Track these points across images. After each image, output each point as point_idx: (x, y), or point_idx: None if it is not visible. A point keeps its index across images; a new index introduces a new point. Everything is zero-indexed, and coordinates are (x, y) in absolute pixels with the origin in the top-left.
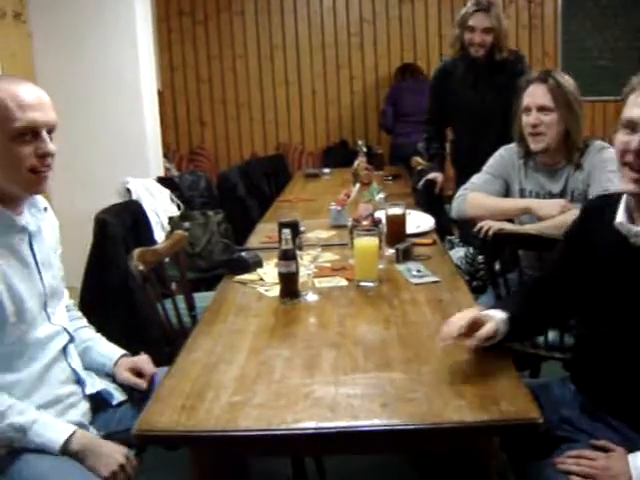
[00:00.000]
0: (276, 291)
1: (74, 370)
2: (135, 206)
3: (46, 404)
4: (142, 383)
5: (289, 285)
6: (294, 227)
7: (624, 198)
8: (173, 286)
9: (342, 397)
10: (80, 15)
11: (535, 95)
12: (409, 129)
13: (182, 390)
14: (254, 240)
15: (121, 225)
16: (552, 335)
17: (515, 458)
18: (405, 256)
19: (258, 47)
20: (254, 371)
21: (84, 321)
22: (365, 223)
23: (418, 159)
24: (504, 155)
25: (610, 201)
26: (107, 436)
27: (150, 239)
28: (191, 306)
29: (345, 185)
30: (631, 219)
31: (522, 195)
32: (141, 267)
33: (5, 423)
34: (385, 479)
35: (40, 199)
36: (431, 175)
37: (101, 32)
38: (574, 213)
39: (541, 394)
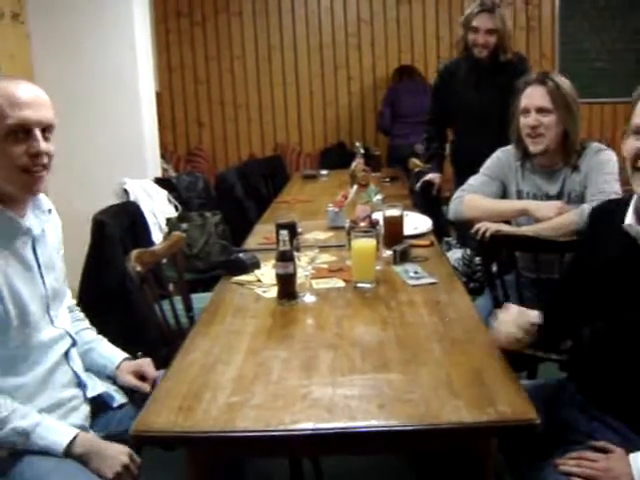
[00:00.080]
0: (274, 292)
1: (76, 373)
2: (133, 207)
3: (48, 408)
4: (145, 386)
5: (287, 286)
6: (292, 228)
7: (633, 200)
8: (170, 287)
9: (340, 398)
10: (78, 16)
11: (534, 97)
12: (406, 131)
13: (179, 391)
14: (252, 241)
15: (119, 226)
16: None
17: (512, 459)
18: (402, 257)
19: (256, 48)
20: (252, 372)
21: (86, 323)
22: (362, 224)
23: (416, 161)
24: (501, 157)
25: (619, 203)
26: (106, 438)
27: (148, 240)
28: (189, 307)
29: (343, 186)
30: None
31: (519, 197)
32: (139, 268)
33: (8, 427)
34: None
35: (45, 201)
36: (428, 176)
37: (99, 33)
38: (571, 215)
39: (538, 395)
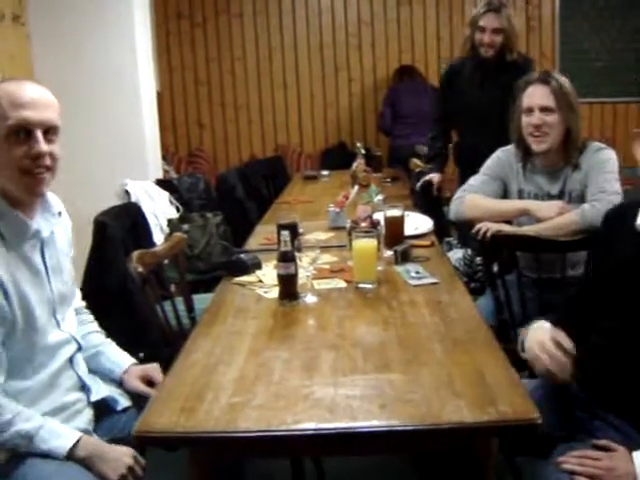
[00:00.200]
0: (275, 293)
1: (80, 377)
2: (134, 208)
3: (52, 411)
4: (152, 392)
5: (288, 287)
6: (293, 229)
7: None
8: (172, 288)
9: (341, 398)
10: (79, 18)
11: (537, 96)
12: (407, 131)
13: (181, 391)
14: (253, 242)
15: (120, 227)
16: None
17: (513, 457)
18: (404, 258)
19: (256, 49)
20: (253, 372)
21: (95, 325)
22: (364, 225)
23: (416, 161)
24: (502, 157)
25: (631, 205)
26: (110, 441)
27: (149, 241)
28: (190, 308)
29: (343, 187)
30: None
31: (521, 197)
32: (140, 269)
33: (12, 430)
34: None
35: (55, 203)
36: (428, 176)
37: (100, 34)
38: (571, 215)
39: (540, 394)
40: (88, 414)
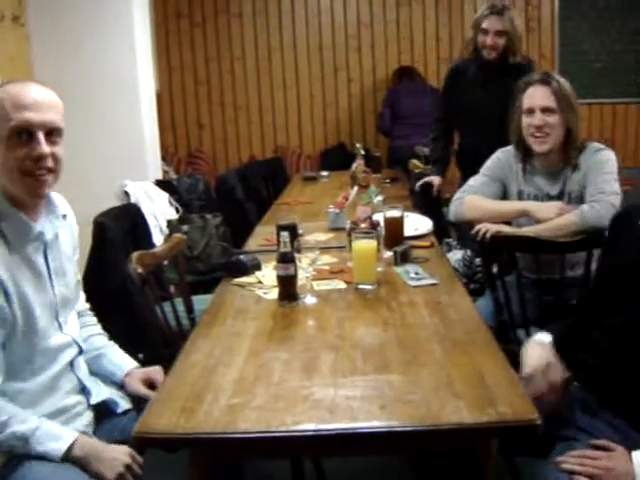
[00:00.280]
0: (274, 294)
1: (80, 380)
2: (134, 209)
3: (52, 414)
4: (153, 395)
5: (288, 288)
6: (292, 230)
7: None
8: (171, 289)
9: (341, 399)
10: (78, 18)
11: (538, 97)
12: (407, 132)
13: (181, 392)
14: (252, 243)
15: (120, 228)
16: None
17: (512, 457)
18: (403, 258)
19: (256, 49)
20: (253, 374)
21: (98, 328)
22: (363, 226)
23: (416, 162)
24: (501, 157)
25: (637, 207)
26: (109, 441)
27: (148, 242)
28: (190, 309)
29: (343, 188)
30: None
31: (520, 198)
32: (139, 270)
33: (8, 431)
34: None
35: (61, 205)
36: (429, 178)
37: (99, 35)
38: (571, 216)
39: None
40: (88, 417)
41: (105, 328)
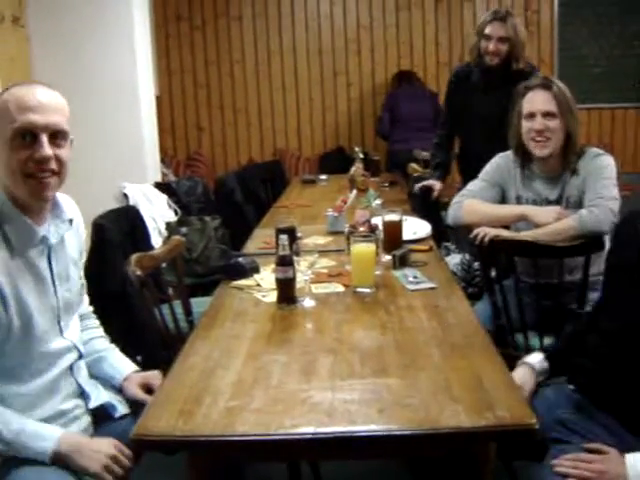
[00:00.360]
0: (273, 297)
1: (80, 384)
2: (132, 211)
3: (50, 417)
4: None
5: (286, 291)
6: (291, 233)
7: None
8: (170, 291)
9: (339, 402)
10: (78, 20)
11: (539, 101)
12: (405, 136)
13: (179, 395)
14: (251, 246)
15: (118, 230)
16: (548, 341)
17: (511, 462)
18: (402, 262)
19: (255, 52)
20: (251, 376)
21: (100, 331)
22: (362, 229)
23: (414, 165)
24: (500, 162)
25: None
26: None
27: (147, 244)
28: (188, 311)
29: (342, 191)
30: None
31: (519, 203)
32: (138, 272)
33: None
34: None
35: (68, 210)
36: (428, 182)
37: (99, 37)
38: (569, 220)
39: (535, 398)
40: (86, 421)
41: (104, 330)
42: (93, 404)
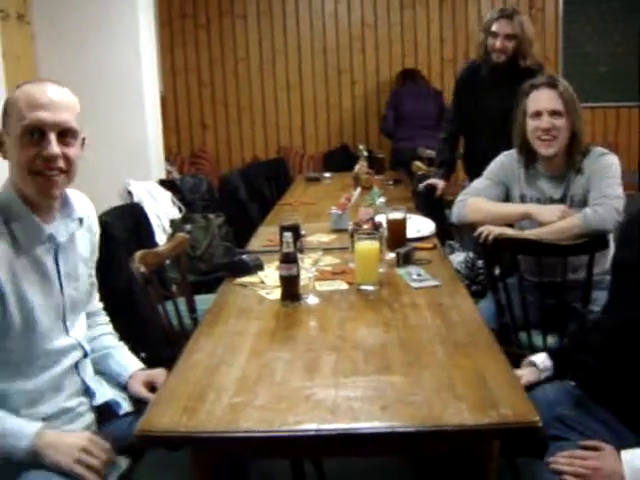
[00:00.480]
0: (277, 294)
1: (85, 382)
2: (137, 209)
3: (54, 414)
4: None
5: (290, 288)
6: (295, 230)
7: None
8: (174, 288)
9: (342, 399)
10: (83, 17)
11: (545, 100)
12: (410, 134)
13: (183, 391)
14: (255, 243)
15: (123, 227)
16: (551, 339)
17: (514, 459)
18: (405, 260)
19: (260, 50)
20: (255, 373)
21: (109, 327)
22: (366, 227)
23: (419, 163)
24: (504, 161)
25: None
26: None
27: (151, 242)
28: (192, 308)
29: (346, 189)
30: None
31: (523, 201)
32: (142, 269)
33: None
34: None
35: (79, 209)
36: (432, 180)
37: (104, 35)
38: (573, 219)
39: (536, 395)
40: (89, 418)
41: None
42: (98, 401)
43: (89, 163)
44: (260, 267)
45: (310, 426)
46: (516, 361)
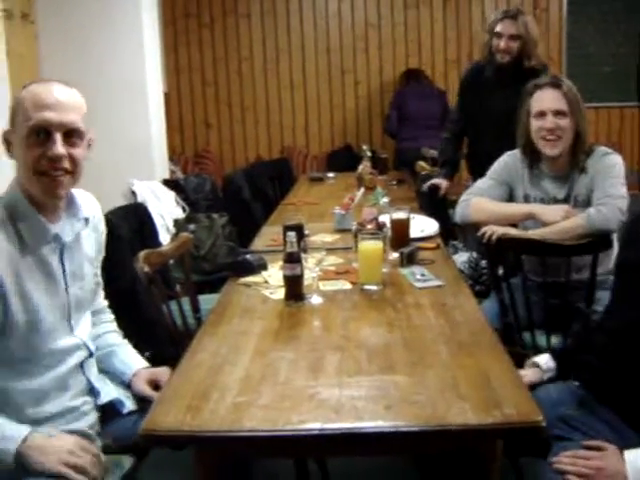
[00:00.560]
0: (281, 294)
1: (90, 381)
2: (141, 208)
3: (59, 413)
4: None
5: (294, 288)
6: (299, 230)
7: None
8: (178, 288)
9: (346, 399)
10: (87, 17)
11: (549, 100)
12: (413, 134)
13: (187, 391)
14: (259, 243)
15: (127, 227)
16: (555, 339)
17: (518, 459)
18: (409, 260)
19: (264, 50)
20: (259, 373)
21: (114, 325)
22: (369, 227)
23: (422, 163)
24: (508, 161)
25: None
26: (114, 442)
27: (155, 241)
28: (196, 308)
29: (349, 189)
30: None
31: (527, 201)
32: (146, 269)
33: None
34: None
35: (85, 209)
36: (436, 180)
37: (108, 34)
38: (577, 219)
39: (540, 395)
40: (93, 417)
41: None
42: (102, 400)
43: (92, 163)
44: (264, 267)
45: (314, 425)
46: (520, 361)
